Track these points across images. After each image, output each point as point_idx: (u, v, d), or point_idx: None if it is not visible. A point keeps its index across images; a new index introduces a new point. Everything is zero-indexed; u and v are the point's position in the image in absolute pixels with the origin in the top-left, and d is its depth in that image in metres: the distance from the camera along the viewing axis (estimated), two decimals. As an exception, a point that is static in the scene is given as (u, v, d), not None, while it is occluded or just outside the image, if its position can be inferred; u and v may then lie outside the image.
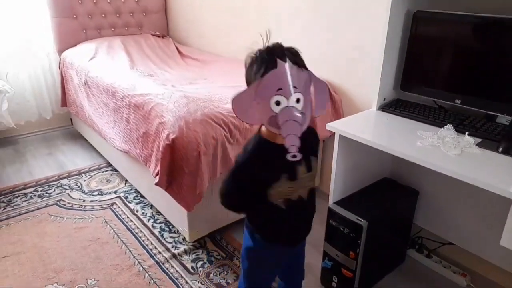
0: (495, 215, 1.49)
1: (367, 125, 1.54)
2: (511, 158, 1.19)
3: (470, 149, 1.24)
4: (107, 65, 2.54)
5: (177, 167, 1.65)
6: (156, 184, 1.70)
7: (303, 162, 1.05)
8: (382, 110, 1.61)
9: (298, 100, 0.93)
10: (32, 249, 1.85)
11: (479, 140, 1.30)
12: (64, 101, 2.95)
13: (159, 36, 3.23)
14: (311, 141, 1.10)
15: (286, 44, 0.98)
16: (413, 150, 1.25)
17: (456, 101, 1.47)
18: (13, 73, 2.86)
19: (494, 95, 1.39)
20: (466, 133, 1.32)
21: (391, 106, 1.60)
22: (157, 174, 1.69)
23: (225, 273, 1.72)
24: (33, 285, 1.63)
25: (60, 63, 2.93)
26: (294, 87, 0.91)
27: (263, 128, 1.03)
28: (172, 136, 1.62)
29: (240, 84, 0.99)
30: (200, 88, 2.10)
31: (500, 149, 1.22)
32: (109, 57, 2.69)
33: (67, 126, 3.30)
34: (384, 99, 1.63)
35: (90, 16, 3.06)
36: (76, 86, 2.64)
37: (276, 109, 0.92)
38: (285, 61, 0.91)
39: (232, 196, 1.08)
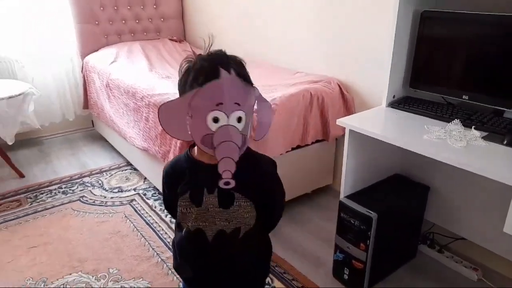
0: (506, 208, 1.51)
1: (376, 121, 1.59)
2: (516, 150, 1.22)
3: (475, 142, 1.27)
4: (127, 68, 2.65)
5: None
6: (174, 178, 1.77)
7: (217, 194, 0.88)
8: (392, 107, 1.65)
9: (239, 119, 0.79)
10: (57, 240, 1.95)
11: (485, 133, 1.33)
12: (86, 104, 3.09)
13: (176, 41, 3.34)
14: (249, 173, 0.86)
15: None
16: (419, 143, 1.30)
17: (463, 97, 1.51)
18: (39, 76, 3.01)
19: (501, 91, 1.42)
20: (473, 127, 1.36)
21: (400, 103, 1.64)
22: (175, 169, 1.77)
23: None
24: (59, 272, 1.73)
25: (82, 67, 3.06)
26: (237, 103, 0.78)
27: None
28: (189, 133, 1.69)
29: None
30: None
31: (505, 142, 1.25)
32: (129, 60, 2.81)
33: (88, 128, 3.43)
34: (394, 96, 1.68)
35: (111, 22, 3.20)
36: (98, 88, 2.76)
37: (213, 127, 0.78)
38: (229, 72, 0.78)
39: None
